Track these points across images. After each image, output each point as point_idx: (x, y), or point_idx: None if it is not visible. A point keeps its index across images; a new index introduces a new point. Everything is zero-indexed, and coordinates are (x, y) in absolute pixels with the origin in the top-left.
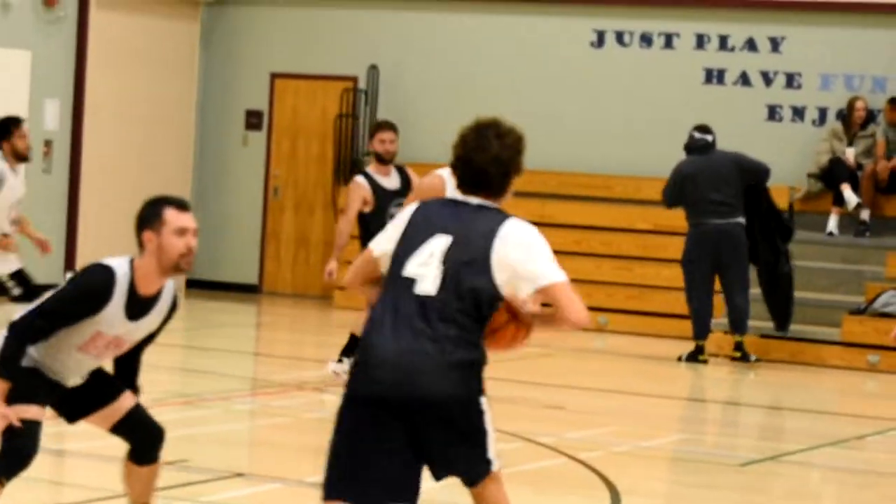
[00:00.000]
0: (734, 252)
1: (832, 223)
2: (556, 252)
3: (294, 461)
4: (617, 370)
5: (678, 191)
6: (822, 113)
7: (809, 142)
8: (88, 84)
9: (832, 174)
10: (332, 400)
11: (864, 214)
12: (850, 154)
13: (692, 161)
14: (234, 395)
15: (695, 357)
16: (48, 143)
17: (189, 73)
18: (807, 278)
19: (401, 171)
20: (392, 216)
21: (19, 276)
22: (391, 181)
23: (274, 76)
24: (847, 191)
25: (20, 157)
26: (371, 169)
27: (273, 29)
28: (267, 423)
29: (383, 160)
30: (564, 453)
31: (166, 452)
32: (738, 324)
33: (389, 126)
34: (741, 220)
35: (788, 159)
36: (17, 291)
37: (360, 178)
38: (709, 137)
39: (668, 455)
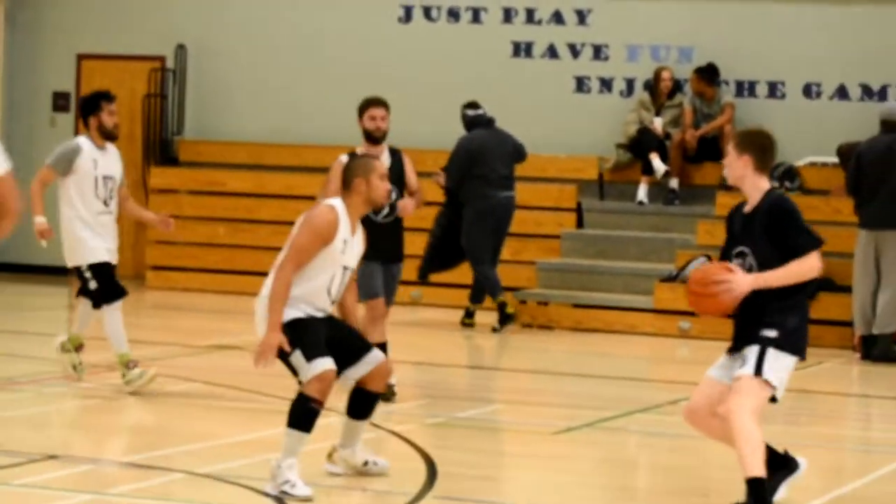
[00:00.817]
0: (509, 223)
1: (642, 192)
2: None
3: (106, 441)
4: (430, 343)
5: (467, 166)
6: (630, 84)
7: (618, 112)
8: None
9: (641, 144)
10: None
11: (673, 183)
12: (657, 123)
13: (480, 136)
14: (46, 377)
15: (506, 316)
16: None
17: None
18: (618, 247)
19: (394, 152)
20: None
21: (99, 269)
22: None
23: (80, 57)
24: (656, 160)
25: (108, 135)
26: (361, 149)
27: (79, 9)
28: (79, 405)
29: (374, 138)
30: (380, 427)
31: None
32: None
33: (380, 102)
34: (514, 193)
35: (597, 130)
36: (92, 285)
37: (343, 157)
38: (487, 113)
39: (483, 425)
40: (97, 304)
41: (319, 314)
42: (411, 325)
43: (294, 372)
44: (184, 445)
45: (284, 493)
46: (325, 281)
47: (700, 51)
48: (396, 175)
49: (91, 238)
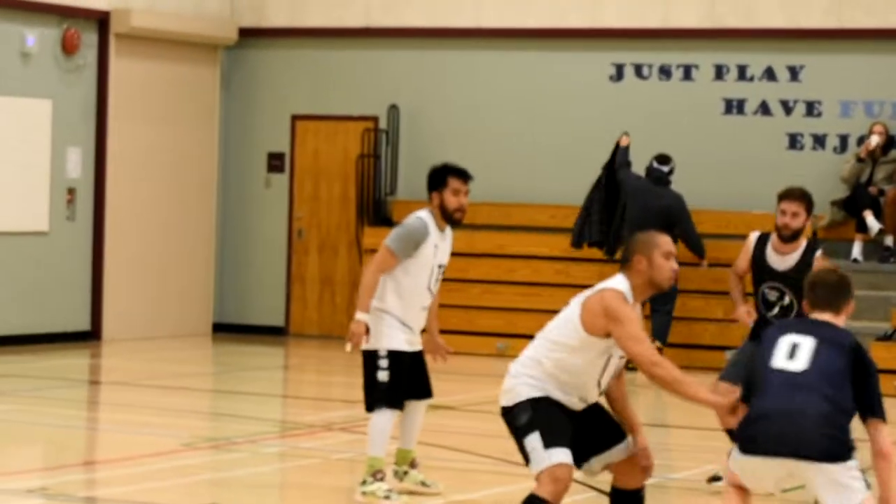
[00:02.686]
0: None
1: (856, 250)
2: (581, 286)
3: (323, 502)
4: (644, 401)
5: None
6: (843, 140)
7: (831, 169)
8: (110, 131)
9: (854, 201)
10: (360, 439)
11: (888, 241)
12: (874, 140)
13: (641, 183)
14: (263, 437)
15: None
16: (71, 192)
17: (210, 117)
18: None
19: None
20: None
21: (396, 358)
22: None
23: (294, 118)
24: (870, 217)
25: (450, 218)
26: None
27: (292, 71)
28: (296, 465)
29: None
30: (594, 488)
31: (196, 498)
32: None
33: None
34: None
35: (810, 187)
36: (382, 376)
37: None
38: (665, 169)
39: (700, 486)
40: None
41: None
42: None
43: (526, 458)
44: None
45: None
46: (598, 369)
47: None
48: None
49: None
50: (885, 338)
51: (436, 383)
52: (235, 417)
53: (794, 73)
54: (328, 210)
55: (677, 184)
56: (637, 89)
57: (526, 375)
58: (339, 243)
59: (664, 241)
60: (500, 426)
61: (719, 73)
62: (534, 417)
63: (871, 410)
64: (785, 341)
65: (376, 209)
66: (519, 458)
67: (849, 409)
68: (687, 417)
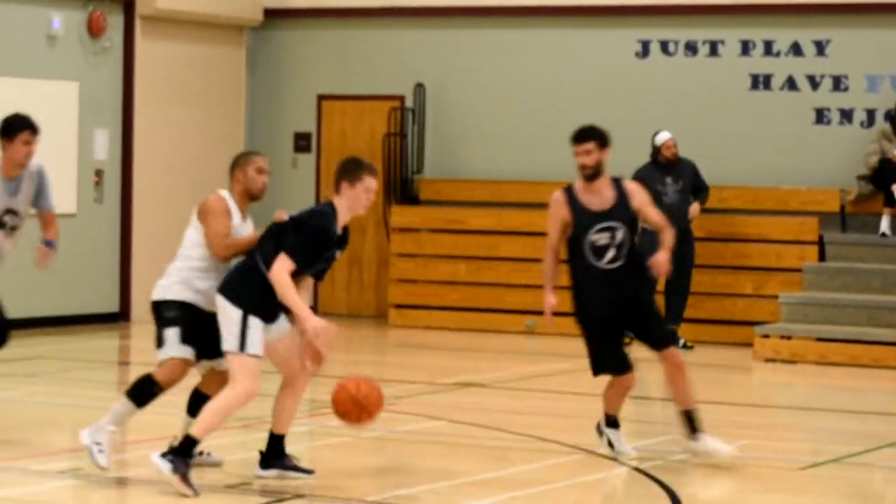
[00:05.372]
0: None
1: (885, 224)
2: None
3: (354, 481)
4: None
5: None
6: (871, 114)
7: (858, 144)
8: (137, 113)
9: (882, 175)
10: (392, 417)
11: None
12: None
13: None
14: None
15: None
16: (99, 174)
17: (236, 98)
18: (861, 279)
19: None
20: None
21: None
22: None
23: (321, 98)
24: None
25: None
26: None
27: (318, 51)
28: (326, 444)
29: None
30: (625, 464)
31: (226, 477)
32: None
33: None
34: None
35: (838, 162)
36: None
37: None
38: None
39: (728, 461)
40: None
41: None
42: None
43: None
44: (429, 484)
45: (90, 452)
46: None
47: None
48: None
49: None
50: None
51: (466, 361)
52: (265, 397)
53: (820, 47)
54: None
55: (704, 160)
56: (663, 66)
57: (176, 279)
58: (367, 222)
59: (258, 158)
60: (531, 403)
61: (745, 48)
62: (179, 315)
63: None
64: None
65: (403, 188)
66: (548, 434)
67: None
68: (716, 393)
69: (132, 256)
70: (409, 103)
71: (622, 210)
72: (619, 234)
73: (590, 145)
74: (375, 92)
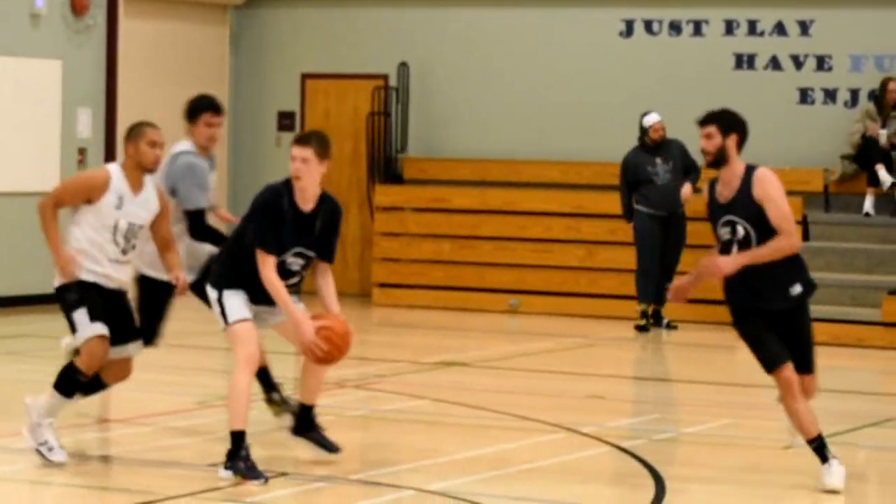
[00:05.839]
0: None
1: (868, 204)
2: (592, 242)
3: (338, 459)
4: (657, 358)
5: None
6: (854, 94)
7: (842, 123)
8: (120, 91)
9: (866, 154)
10: (375, 396)
11: None
12: (882, 134)
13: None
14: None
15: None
16: (82, 152)
17: (220, 76)
18: (845, 259)
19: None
20: None
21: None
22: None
23: (304, 76)
24: (882, 171)
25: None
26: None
27: (302, 30)
28: None
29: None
30: (608, 442)
31: (209, 456)
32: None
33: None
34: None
35: (822, 141)
36: None
37: None
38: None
39: (712, 440)
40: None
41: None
42: (625, 341)
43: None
44: (412, 462)
45: (42, 455)
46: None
47: None
48: None
49: None
50: None
51: (449, 340)
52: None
53: (804, 27)
54: (339, 168)
55: (687, 140)
56: (647, 45)
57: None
58: (351, 201)
59: (151, 131)
60: (514, 382)
61: (729, 28)
62: (82, 296)
63: None
64: None
65: (387, 167)
66: (531, 413)
67: None
68: (700, 372)
69: None
70: (392, 82)
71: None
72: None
73: (710, 129)
74: (359, 71)
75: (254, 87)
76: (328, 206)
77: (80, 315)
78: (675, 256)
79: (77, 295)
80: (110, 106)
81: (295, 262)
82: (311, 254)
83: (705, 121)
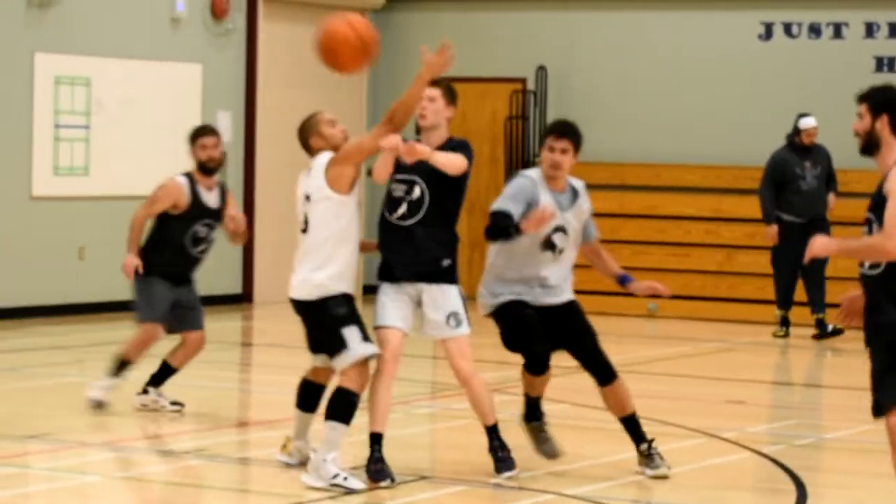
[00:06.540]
0: None
1: None
2: (731, 246)
3: (477, 463)
4: (797, 363)
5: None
6: None
7: None
8: (260, 95)
9: None
10: (510, 400)
11: None
12: None
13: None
14: (415, 399)
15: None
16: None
17: (358, 80)
18: None
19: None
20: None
21: None
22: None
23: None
24: None
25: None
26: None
27: (440, 34)
28: (448, 426)
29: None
30: (748, 448)
31: (348, 459)
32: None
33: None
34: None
35: None
36: None
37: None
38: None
39: (853, 446)
40: None
41: None
42: (764, 345)
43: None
44: (551, 467)
45: (339, 485)
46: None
47: None
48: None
49: None
50: None
51: None
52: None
53: None
54: (477, 172)
55: (828, 144)
56: (786, 48)
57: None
58: (488, 205)
59: (321, 115)
60: (652, 386)
61: (870, 30)
62: (352, 310)
63: None
64: None
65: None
66: (669, 417)
67: None
68: (841, 377)
69: (255, 238)
70: (530, 86)
71: None
72: None
73: (861, 107)
74: (497, 75)
75: (391, 91)
76: (452, 146)
77: (352, 332)
78: (820, 266)
79: (348, 309)
80: (250, 109)
81: (398, 188)
82: (417, 179)
83: (859, 98)
